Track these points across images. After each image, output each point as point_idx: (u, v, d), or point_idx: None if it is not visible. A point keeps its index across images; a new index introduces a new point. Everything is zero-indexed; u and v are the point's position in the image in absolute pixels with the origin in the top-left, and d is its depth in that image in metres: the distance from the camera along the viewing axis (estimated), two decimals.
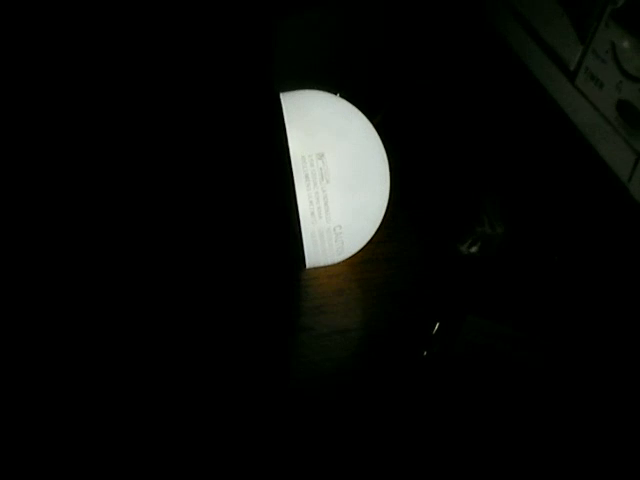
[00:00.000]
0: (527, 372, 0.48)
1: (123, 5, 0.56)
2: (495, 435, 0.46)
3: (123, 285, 0.51)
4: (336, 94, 0.50)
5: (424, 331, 0.50)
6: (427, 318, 0.50)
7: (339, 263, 0.52)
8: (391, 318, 0.51)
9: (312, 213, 0.47)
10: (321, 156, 0.47)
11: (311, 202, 0.47)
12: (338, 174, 0.47)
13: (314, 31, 0.58)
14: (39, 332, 0.49)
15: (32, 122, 0.58)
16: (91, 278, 0.52)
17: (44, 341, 0.48)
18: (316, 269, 0.52)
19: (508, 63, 0.59)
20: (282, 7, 0.55)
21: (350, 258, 0.51)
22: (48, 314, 0.50)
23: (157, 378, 0.47)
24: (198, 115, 0.57)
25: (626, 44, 0.49)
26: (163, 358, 0.48)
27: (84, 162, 0.57)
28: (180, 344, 0.49)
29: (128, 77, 0.59)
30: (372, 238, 0.51)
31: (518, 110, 0.59)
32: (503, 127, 0.60)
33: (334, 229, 0.48)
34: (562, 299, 0.52)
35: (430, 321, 0.50)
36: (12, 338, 0.48)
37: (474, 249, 0.54)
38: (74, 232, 0.54)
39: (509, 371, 0.48)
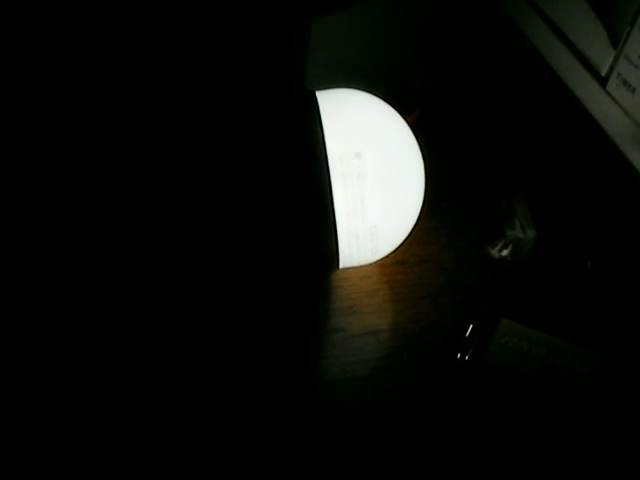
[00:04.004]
0: (560, 375, 0.48)
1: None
2: (526, 435, 0.46)
3: (153, 284, 0.51)
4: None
5: (457, 333, 0.49)
6: (460, 320, 0.50)
7: (371, 264, 0.51)
8: (423, 320, 0.51)
9: (348, 213, 0.47)
10: (358, 155, 0.46)
11: (347, 202, 0.46)
12: (375, 174, 0.46)
13: (351, 30, 0.58)
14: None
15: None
16: (109, 279, 0.51)
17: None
18: (348, 270, 0.52)
19: (538, 68, 0.59)
20: (319, 5, 0.55)
21: (382, 259, 0.51)
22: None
23: (185, 377, 0.47)
24: (235, 114, 0.57)
25: None
26: (193, 357, 0.48)
27: (98, 163, 0.56)
28: (213, 344, 0.49)
29: (156, 74, 0.59)
30: (404, 240, 0.51)
31: (549, 115, 0.59)
32: (534, 132, 0.60)
33: (369, 229, 0.47)
34: (593, 303, 0.52)
35: (463, 323, 0.50)
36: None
37: (505, 253, 0.54)
38: (94, 232, 0.53)
39: (542, 374, 0.48)
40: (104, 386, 0.46)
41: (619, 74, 0.53)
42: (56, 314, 0.49)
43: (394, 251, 0.51)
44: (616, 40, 0.53)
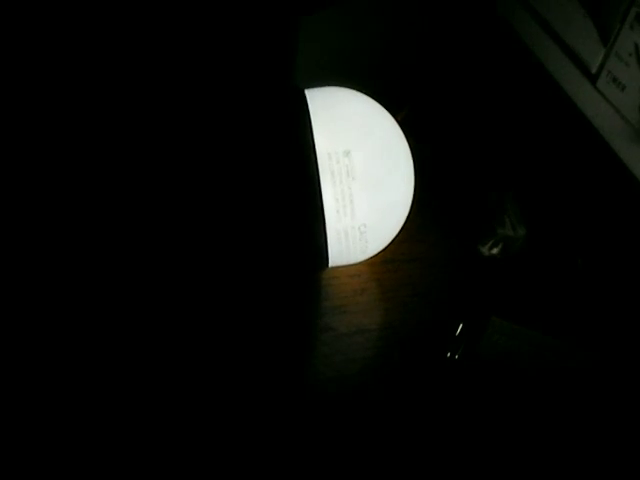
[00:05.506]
0: (551, 373, 0.48)
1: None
2: (516, 434, 0.46)
3: (139, 286, 0.51)
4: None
5: (447, 332, 0.49)
6: (450, 319, 0.50)
7: (360, 263, 0.51)
8: (413, 318, 0.51)
9: (337, 211, 0.46)
10: (347, 153, 0.46)
11: (337, 200, 0.46)
12: (364, 172, 0.46)
13: (340, 28, 0.58)
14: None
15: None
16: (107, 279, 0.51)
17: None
18: (337, 269, 0.52)
19: (529, 66, 0.59)
20: (309, 3, 0.55)
21: (371, 258, 0.51)
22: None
23: (178, 378, 0.47)
24: (223, 113, 0.57)
25: None
26: (182, 357, 0.48)
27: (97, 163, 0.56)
28: (202, 343, 0.48)
29: (147, 74, 0.59)
30: (394, 238, 0.51)
31: (539, 113, 0.59)
32: (525, 130, 0.60)
33: (359, 227, 0.47)
34: (584, 301, 0.52)
35: (453, 322, 0.50)
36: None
37: (495, 251, 0.54)
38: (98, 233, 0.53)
39: (533, 372, 0.48)
40: (97, 385, 0.46)
41: (609, 72, 0.53)
42: (56, 314, 0.49)
43: (384, 249, 0.51)
44: (606, 38, 0.53)
